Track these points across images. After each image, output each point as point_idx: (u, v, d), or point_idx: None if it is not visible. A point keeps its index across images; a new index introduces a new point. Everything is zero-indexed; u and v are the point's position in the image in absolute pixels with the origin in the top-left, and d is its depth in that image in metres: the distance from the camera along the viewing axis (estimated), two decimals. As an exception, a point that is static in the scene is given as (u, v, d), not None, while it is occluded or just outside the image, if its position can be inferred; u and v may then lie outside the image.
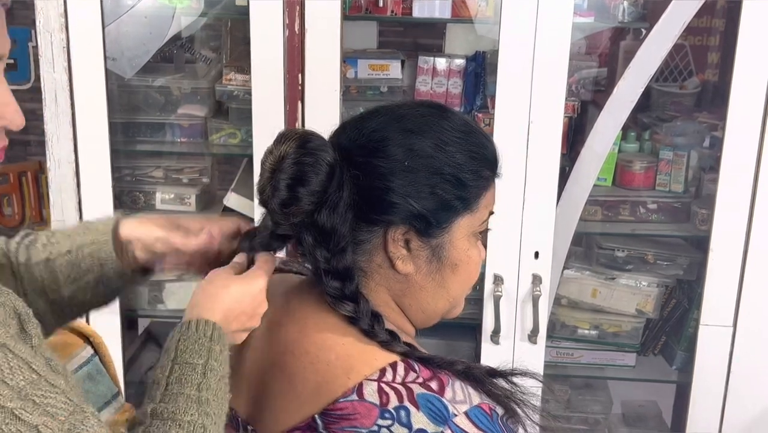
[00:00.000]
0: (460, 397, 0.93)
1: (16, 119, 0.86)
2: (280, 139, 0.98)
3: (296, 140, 0.97)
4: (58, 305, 1.13)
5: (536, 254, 2.16)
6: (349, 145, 1.00)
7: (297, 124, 2.14)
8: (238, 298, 0.99)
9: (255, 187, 1.01)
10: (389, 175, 0.97)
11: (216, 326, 0.95)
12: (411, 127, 1.00)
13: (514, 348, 2.24)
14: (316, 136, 0.98)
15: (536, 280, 2.17)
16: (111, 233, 1.12)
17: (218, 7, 2.40)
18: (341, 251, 0.98)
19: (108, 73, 2.19)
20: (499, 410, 0.94)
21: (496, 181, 1.05)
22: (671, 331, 2.52)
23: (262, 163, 0.98)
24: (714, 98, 2.53)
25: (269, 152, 0.98)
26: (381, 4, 2.31)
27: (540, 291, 2.17)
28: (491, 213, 1.05)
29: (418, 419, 0.90)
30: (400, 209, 0.97)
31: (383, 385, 0.93)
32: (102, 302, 1.16)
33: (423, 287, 1.02)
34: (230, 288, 0.99)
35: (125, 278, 1.13)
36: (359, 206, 0.98)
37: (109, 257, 1.11)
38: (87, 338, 1.50)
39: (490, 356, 2.24)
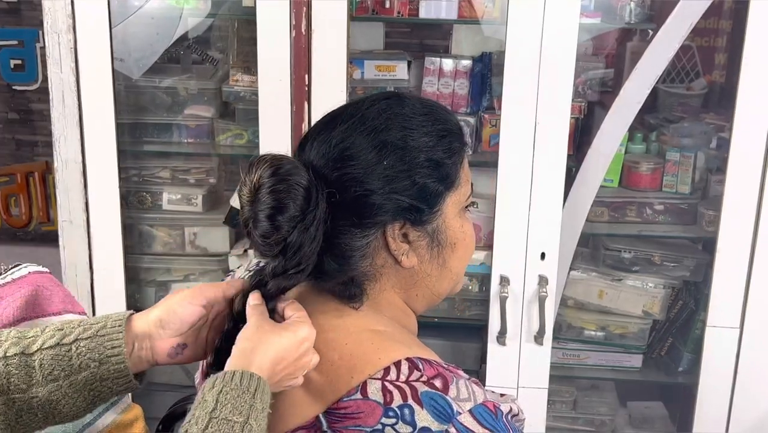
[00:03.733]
0: (465, 395, 0.93)
1: None
2: (250, 167, 0.97)
3: (267, 168, 0.96)
4: (20, 408, 0.97)
5: (542, 255, 2.16)
6: (321, 161, 1.00)
7: (303, 125, 2.14)
8: (286, 347, 0.93)
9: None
10: (367, 179, 0.99)
11: (261, 381, 0.89)
12: (375, 125, 1.01)
13: (520, 349, 2.24)
14: (287, 160, 0.98)
15: (542, 281, 2.17)
16: (123, 325, 0.98)
17: (225, 8, 2.41)
18: (298, 266, 0.98)
19: (115, 74, 2.20)
20: (504, 408, 0.94)
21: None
22: (678, 332, 2.51)
23: (239, 194, 0.98)
24: (721, 99, 2.53)
25: (243, 183, 0.98)
26: (387, 5, 2.32)
27: (546, 292, 2.16)
28: (472, 185, 1.08)
29: (423, 417, 0.90)
30: (389, 208, 0.99)
31: (387, 383, 0.93)
32: (71, 413, 0.99)
33: (429, 274, 1.05)
34: (280, 336, 0.94)
35: (123, 382, 0.98)
36: (350, 216, 0.99)
37: (115, 354, 0.96)
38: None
39: (496, 357, 2.24)
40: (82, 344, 0.96)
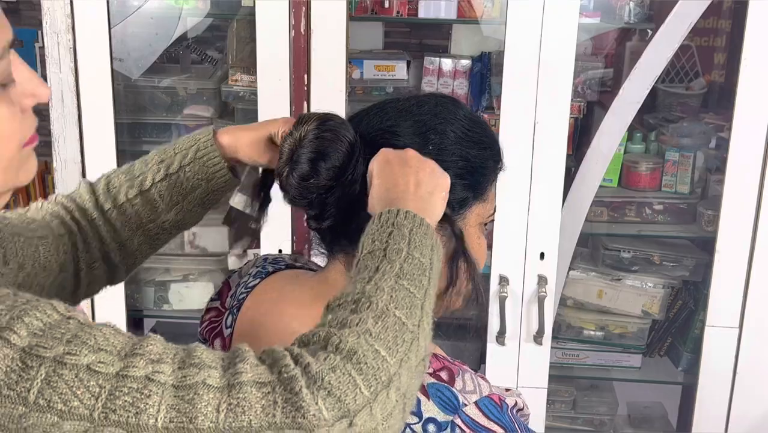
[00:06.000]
0: (470, 387, 0.94)
1: (43, 91, 0.82)
2: (300, 120, 1.00)
3: (316, 120, 0.99)
4: (156, 233, 1.14)
5: (542, 255, 2.16)
6: (367, 130, 1.01)
7: (303, 125, 2.14)
8: (397, 171, 0.93)
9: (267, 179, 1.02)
10: None
11: (400, 212, 0.87)
12: (426, 116, 1.02)
13: (519, 349, 2.24)
14: (336, 116, 1.00)
15: (542, 281, 2.17)
16: (215, 144, 1.11)
17: (224, 8, 2.41)
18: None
19: (114, 74, 2.20)
20: (509, 402, 0.95)
21: (501, 179, 1.07)
22: (677, 332, 2.52)
23: (281, 145, 1.00)
24: (720, 99, 2.53)
25: (289, 134, 1.00)
26: (387, 5, 2.32)
27: (545, 292, 2.16)
28: (495, 207, 1.08)
29: (429, 408, 0.91)
30: None
31: None
32: (196, 220, 1.17)
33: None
34: (386, 168, 0.95)
35: (229, 187, 1.13)
36: None
37: (218, 170, 1.10)
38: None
39: (496, 356, 2.24)
40: (187, 169, 1.11)
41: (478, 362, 2.42)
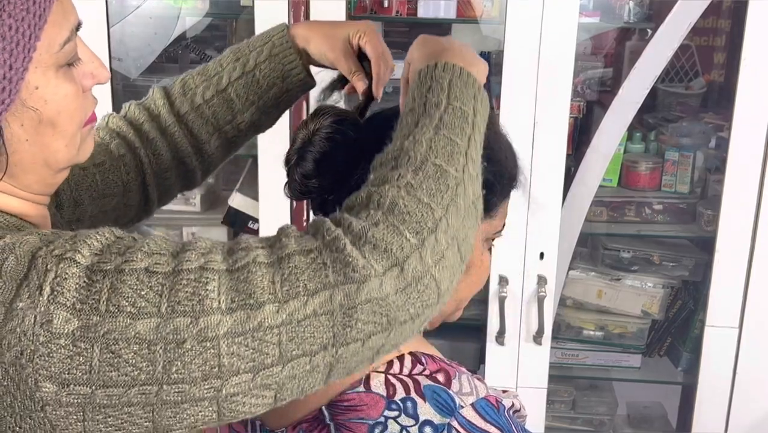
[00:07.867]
0: (467, 389, 0.93)
1: (102, 73, 0.88)
2: (317, 112, 0.99)
3: (332, 116, 0.98)
4: (233, 135, 1.14)
5: (541, 255, 2.16)
6: (386, 131, 1.00)
7: (302, 125, 2.14)
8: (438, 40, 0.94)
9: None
10: None
11: (438, 64, 0.88)
12: None
13: (519, 349, 2.24)
14: (353, 115, 1.00)
15: (541, 281, 2.17)
16: (290, 41, 1.09)
17: (223, 8, 2.41)
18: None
19: (113, 74, 2.19)
20: (506, 403, 0.94)
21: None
22: (677, 332, 2.51)
23: (296, 133, 1.00)
24: (720, 99, 2.53)
25: (304, 124, 0.99)
26: (386, 5, 2.31)
27: (545, 292, 2.16)
28: (504, 225, 1.06)
29: (425, 410, 0.90)
30: None
31: (390, 377, 0.93)
32: (272, 122, 1.17)
33: None
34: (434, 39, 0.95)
35: (305, 86, 1.12)
36: None
37: (293, 67, 1.09)
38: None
39: (495, 356, 2.24)
40: (263, 67, 1.09)
41: (478, 362, 2.42)
